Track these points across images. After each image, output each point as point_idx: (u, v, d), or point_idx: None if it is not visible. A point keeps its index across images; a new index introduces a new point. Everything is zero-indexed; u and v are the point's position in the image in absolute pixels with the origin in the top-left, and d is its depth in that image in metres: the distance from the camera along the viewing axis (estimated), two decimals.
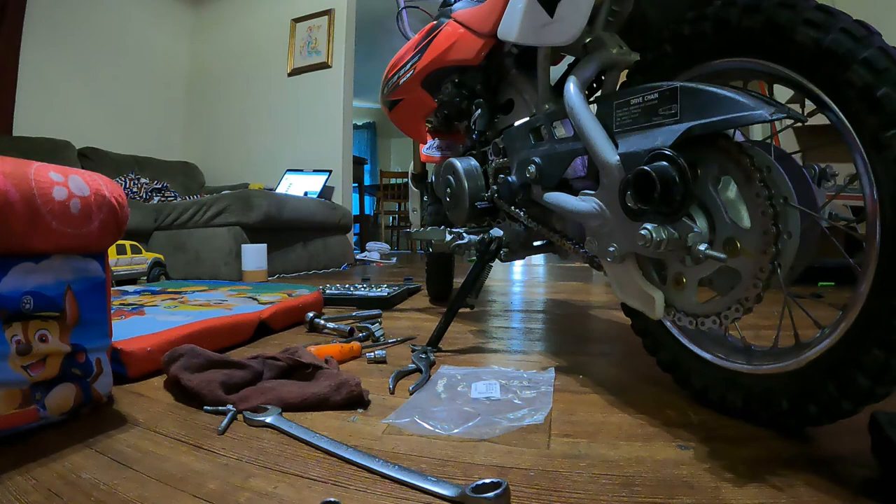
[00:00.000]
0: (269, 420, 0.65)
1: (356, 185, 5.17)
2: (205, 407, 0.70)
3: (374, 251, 4.66)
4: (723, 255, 0.50)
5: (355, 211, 5.02)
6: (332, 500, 0.41)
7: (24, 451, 0.58)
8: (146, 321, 1.09)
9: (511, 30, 0.81)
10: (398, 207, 6.45)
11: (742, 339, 0.61)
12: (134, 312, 1.19)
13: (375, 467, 0.53)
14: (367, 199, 6.75)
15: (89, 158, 3.53)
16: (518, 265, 3.52)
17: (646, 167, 0.52)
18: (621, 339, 1.15)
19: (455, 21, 1.06)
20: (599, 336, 1.22)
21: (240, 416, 0.68)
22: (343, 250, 3.70)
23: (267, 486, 0.50)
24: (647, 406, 0.69)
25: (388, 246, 4.92)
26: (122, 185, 3.42)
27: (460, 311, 1.55)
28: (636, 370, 0.87)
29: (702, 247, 0.51)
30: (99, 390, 0.69)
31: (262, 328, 1.23)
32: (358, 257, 4.30)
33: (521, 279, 2.66)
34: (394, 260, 4.33)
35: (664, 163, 0.51)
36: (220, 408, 0.69)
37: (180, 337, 0.95)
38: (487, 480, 0.46)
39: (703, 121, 0.50)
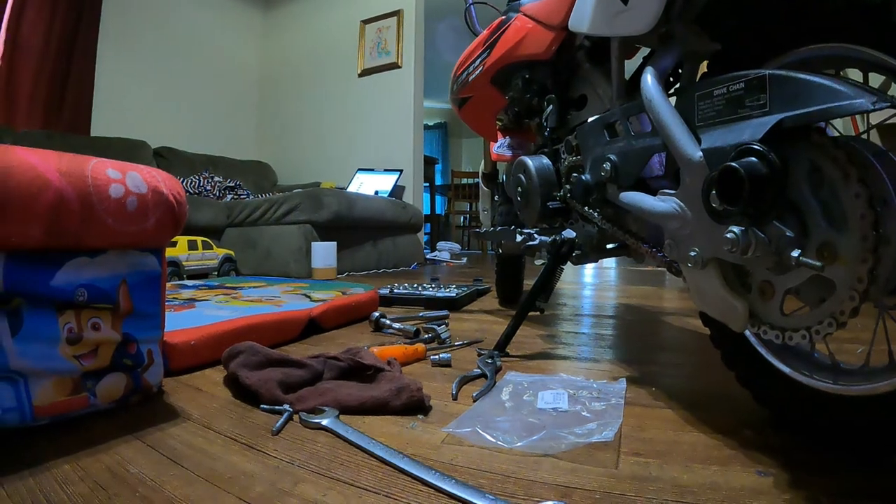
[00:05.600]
0: (324, 423, 0.64)
1: (427, 184, 5.20)
2: (261, 405, 0.71)
3: (445, 251, 4.68)
4: (819, 263, 0.44)
5: (426, 210, 5.05)
6: None
7: (74, 439, 0.60)
8: (193, 315, 1.12)
9: (582, 21, 0.77)
10: (469, 207, 6.45)
11: (830, 355, 0.54)
12: (184, 306, 1.23)
13: (431, 480, 0.50)
14: (438, 198, 6.79)
15: (164, 157, 3.75)
16: (589, 268, 3.42)
17: (733, 164, 0.47)
18: (696, 349, 1.07)
19: (524, 15, 1.02)
20: (673, 345, 1.14)
21: (296, 417, 0.67)
22: (413, 249, 3.73)
23: (316, 493, 0.49)
24: (723, 424, 0.64)
25: (458, 246, 4.93)
26: (196, 183, 3.59)
27: (530, 314, 1.51)
28: (712, 384, 0.81)
29: (794, 253, 0.45)
30: (149, 380, 0.71)
31: (313, 326, 1.24)
32: (428, 257, 4.33)
33: (593, 282, 2.58)
34: (464, 260, 4.32)
35: (753, 159, 0.46)
36: (276, 407, 0.69)
37: (225, 332, 0.97)
38: (549, 503, 0.43)
39: (795, 112, 0.44)
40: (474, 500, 0.46)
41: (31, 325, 0.59)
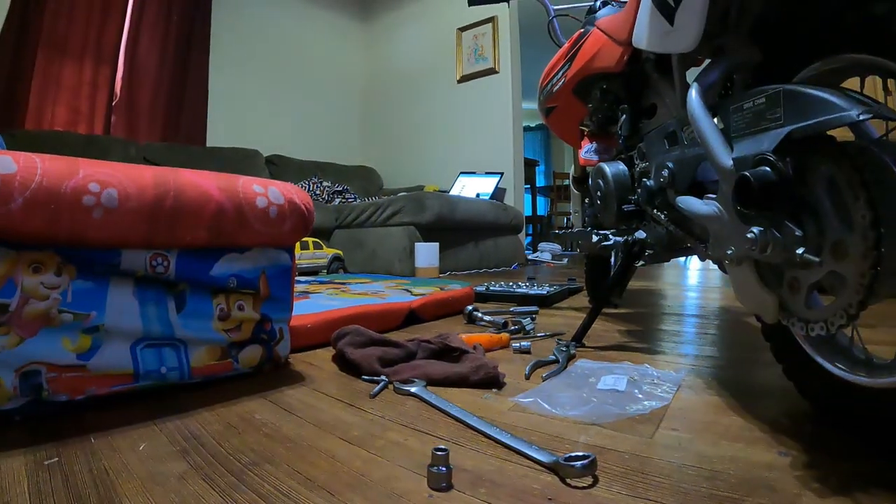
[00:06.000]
0: (413, 390, 0.78)
1: (528, 186, 5.26)
2: (362, 376, 0.86)
3: (546, 252, 4.72)
4: (817, 259, 0.49)
5: (528, 212, 5.12)
6: (441, 447, 0.51)
7: (212, 395, 0.78)
8: (308, 304, 1.32)
9: (641, 38, 0.84)
10: (571, 209, 6.40)
11: (864, 349, 0.58)
12: (299, 297, 1.44)
13: (490, 433, 0.62)
14: (540, 199, 6.80)
15: (275, 165, 4.07)
16: (694, 270, 3.32)
17: (745, 172, 0.53)
18: (765, 346, 1.10)
19: (598, 29, 1.10)
20: (744, 342, 1.16)
21: (390, 386, 0.82)
22: (514, 250, 3.82)
23: (400, 437, 0.62)
24: (764, 412, 0.68)
25: (559, 247, 4.93)
26: (305, 188, 3.87)
27: (612, 311, 1.56)
28: (768, 378, 0.84)
29: (799, 250, 0.51)
30: (280, 352, 0.89)
31: (413, 317, 1.40)
32: (530, 257, 4.40)
33: (678, 282, 2.54)
34: (565, 261, 4.34)
35: (766, 168, 0.52)
36: (374, 377, 0.84)
37: (335, 318, 1.14)
38: (580, 453, 0.53)
39: (800, 124, 0.50)
40: (520, 448, 0.57)
41: (192, 304, 0.78)
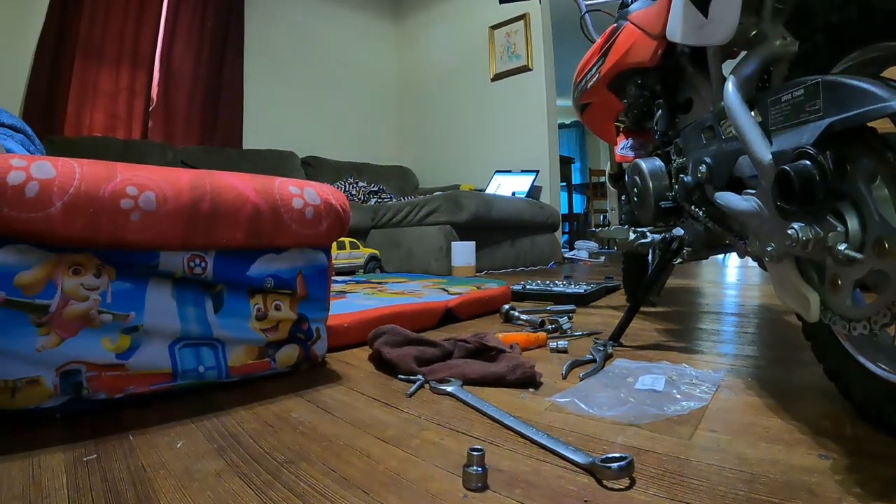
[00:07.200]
0: (449, 389, 0.79)
1: (564, 183, 5.21)
2: (399, 375, 0.87)
3: (583, 249, 4.66)
4: (859, 255, 0.48)
5: (564, 210, 5.06)
6: (477, 447, 0.51)
7: (249, 394, 0.80)
8: (345, 303, 1.33)
9: (675, 31, 0.83)
10: (608, 206, 6.32)
11: None
12: (336, 297, 1.45)
13: (527, 433, 0.62)
14: (577, 197, 6.73)
15: (311, 166, 4.12)
16: (732, 267, 3.23)
17: (786, 167, 0.52)
18: (806, 345, 1.06)
19: (631, 23, 1.08)
20: (784, 341, 1.12)
21: (427, 385, 0.82)
22: (550, 248, 3.79)
23: (435, 437, 0.63)
24: (805, 414, 0.66)
25: (596, 245, 4.86)
26: (341, 188, 3.91)
27: (650, 309, 1.54)
28: (809, 377, 0.82)
29: (841, 247, 0.50)
30: (316, 352, 0.91)
31: (449, 316, 1.40)
32: (566, 255, 4.35)
33: (717, 280, 2.47)
34: (602, 259, 4.28)
35: (806, 161, 0.51)
36: (411, 377, 0.85)
37: (372, 318, 1.15)
38: (616, 455, 0.52)
39: (841, 116, 0.49)
40: (556, 449, 0.57)
41: (230, 304, 0.81)
